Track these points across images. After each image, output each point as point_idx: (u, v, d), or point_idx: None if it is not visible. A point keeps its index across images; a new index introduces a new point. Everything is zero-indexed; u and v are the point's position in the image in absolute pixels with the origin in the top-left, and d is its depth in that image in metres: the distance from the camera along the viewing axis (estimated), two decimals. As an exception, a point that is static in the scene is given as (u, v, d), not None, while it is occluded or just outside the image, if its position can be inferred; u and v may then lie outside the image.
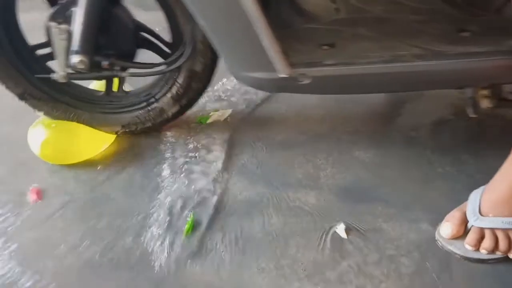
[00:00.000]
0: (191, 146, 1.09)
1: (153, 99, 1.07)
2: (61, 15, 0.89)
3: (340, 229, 0.88)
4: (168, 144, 1.10)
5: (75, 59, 0.87)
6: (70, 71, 0.92)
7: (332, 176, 1.00)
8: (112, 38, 0.93)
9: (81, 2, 0.85)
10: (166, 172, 1.02)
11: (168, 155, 1.07)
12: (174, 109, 1.07)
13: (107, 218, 0.92)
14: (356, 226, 0.89)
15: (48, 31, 0.91)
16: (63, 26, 0.87)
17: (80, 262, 0.84)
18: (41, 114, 1.05)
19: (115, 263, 0.84)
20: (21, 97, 1.02)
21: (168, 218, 0.91)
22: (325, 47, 0.84)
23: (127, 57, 0.98)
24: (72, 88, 1.07)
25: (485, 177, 0.97)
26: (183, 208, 0.93)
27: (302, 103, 1.21)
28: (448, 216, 0.86)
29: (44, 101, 1.04)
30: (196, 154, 1.06)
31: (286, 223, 0.90)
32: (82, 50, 0.87)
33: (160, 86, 1.06)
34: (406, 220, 0.90)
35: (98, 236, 0.89)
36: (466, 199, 0.93)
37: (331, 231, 0.88)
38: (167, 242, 0.87)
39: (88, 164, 1.05)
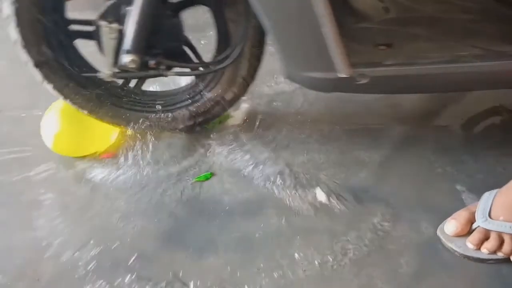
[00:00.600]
0: (194, 146, 1.09)
1: (170, 107, 1.06)
2: (112, 14, 0.89)
3: (319, 193, 0.91)
4: (173, 143, 1.10)
5: (127, 58, 0.87)
6: (116, 70, 0.91)
7: (332, 176, 1.00)
8: (161, 38, 0.92)
9: (137, 2, 0.85)
10: (167, 172, 1.02)
11: (169, 155, 1.07)
12: (187, 123, 1.07)
13: (107, 219, 0.92)
14: (356, 226, 0.89)
15: (97, 29, 0.90)
16: (114, 25, 0.87)
17: (81, 262, 0.84)
18: (49, 87, 0.98)
19: (115, 262, 0.84)
20: (38, 65, 0.94)
21: (168, 219, 0.92)
22: (382, 47, 0.84)
23: (173, 57, 0.97)
24: (92, 71, 1.03)
25: (485, 177, 0.98)
26: (184, 207, 0.94)
27: (302, 103, 1.21)
28: (455, 214, 0.86)
29: (60, 76, 0.98)
30: (197, 154, 1.06)
31: (286, 223, 0.90)
32: (134, 50, 0.87)
33: (183, 98, 1.06)
34: (406, 220, 0.90)
35: (99, 235, 0.88)
36: (466, 199, 0.93)
37: (331, 232, 0.88)
38: (169, 241, 0.87)
39: (90, 163, 1.05)
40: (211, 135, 1.11)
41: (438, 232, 0.86)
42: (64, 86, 0.98)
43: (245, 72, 1.02)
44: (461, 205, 0.91)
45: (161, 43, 0.93)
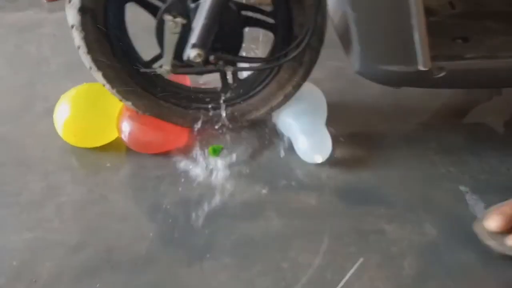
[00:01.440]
0: (192, 147, 1.07)
1: (187, 104, 1.05)
2: (176, 8, 0.87)
3: (317, 157, 0.98)
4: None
5: (193, 52, 0.85)
6: (176, 64, 0.91)
7: (334, 177, 0.99)
8: (223, 33, 0.90)
9: None
10: (167, 172, 1.01)
11: (166, 158, 1.05)
12: (193, 126, 1.06)
13: (106, 219, 0.91)
14: (358, 228, 0.88)
15: (159, 23, 0.89)
16: (179, 20, 0.86)
17: (78, 263, 0.83)
18: (80, 35, 0.91)
19: (114, 264, 0.83)
20: (83, 11, 0.88)
21: (167, 221, 0.91)
22: (459, 40, 0.85)
23: (233, 52, 0.95)
24: (130, 49, 1.00)
25: (489, 178, 0.97)
26: (183, 209, 0.93)
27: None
28: (498, 209, 0.82)
29: (97, 39, 0.92)
30: (196, 156, 1.05)
31: (287, 225, 0.89)
32: (201, 44, 0.85)
33: (204, 100, 1.05)
34: (409, 222, 0.89)
35: (96, 237, 0.87)
36: (469, 200, 0.93)
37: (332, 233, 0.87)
38: (167, 243, 0.86)
39: (89, 163, 1.04)
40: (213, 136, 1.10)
41: (476, 228, 0.83)
42: (92, 41, 0.93)
43: (276, 102, 1.02)
44: (465, 206, 0.90)
45: (225, 34, 0.91)
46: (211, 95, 1.06)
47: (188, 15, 0.87)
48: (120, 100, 1.02)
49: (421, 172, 0.99)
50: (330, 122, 1.08)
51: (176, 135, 1.07)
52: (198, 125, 1.07)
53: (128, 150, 1.05)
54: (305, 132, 1.01)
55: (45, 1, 1.62)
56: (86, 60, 0.95)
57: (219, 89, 1.05)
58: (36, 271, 0.82)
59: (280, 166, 1.02)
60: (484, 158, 1.02)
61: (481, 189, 0.94)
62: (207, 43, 0.86)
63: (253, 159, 1.04)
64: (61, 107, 1.04)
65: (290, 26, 0.94)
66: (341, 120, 1.12)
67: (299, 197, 0.95)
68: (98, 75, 0.97)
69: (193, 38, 0.85)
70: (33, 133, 1.11)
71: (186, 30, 0.87)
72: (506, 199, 0.84)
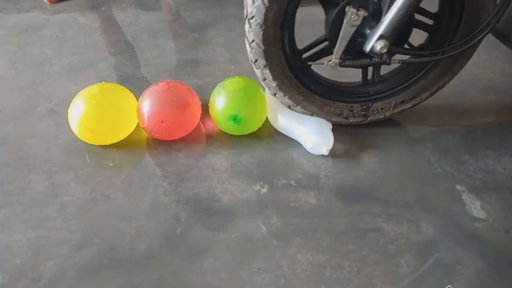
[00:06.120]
0: (192, 149, 1.09)
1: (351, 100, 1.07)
2: (359, 1, 0.88)
3: (325, 150, 1.00)
4: (174, 145, 1.09)
5: (380, 44, 0.86)
6: (343, 57, 0.92)
7: (332, 176, 1.00)
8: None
9: None
10: (167, 172, 1.02)
11: (167, 157, 1.07)
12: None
13: (107, 219, 0.92)
14: (356, 226, 0.89)
15: (338, 14, 0.89)
16: (362, 12, 0.86)
17: (81, 261, 0.84)
18: (261, 57, 0.92)
19: (116, 262, 0.84)
20: (265, 26, 0.88)
21: (168, 219, 0.92)
22: None
23: (399, 44, 0.94)
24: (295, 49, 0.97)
25: (485, 177, 0.98)
26: (183, 207, 0.94)
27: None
28: None
29: (274, 51, 0.92)
30: (197, 154, 1.06)
31: (286, 223, 0.90)
32: (389, 36, 0.86)
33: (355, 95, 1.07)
34: (406, 220, 0.90)
35: (99, 235, 0.88)
36: (466, 199, 0.93)
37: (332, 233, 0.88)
38: (168, 241, 0.87)
39: (91, 163, 1.05)
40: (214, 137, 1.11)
41: None
42: (271, 53, 0.92)
43: (426, 95, 1.04)
44: (461, 205, 0.91)
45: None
46: (358, 89, 1.07)
47: (368, 8, 0.88)
48: (289, 106, 1.03)
49: (418, 172, 1.00)
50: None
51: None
52: (350, 119, 1.07)
53: (130, 149, 1.06)
54: (313, 131, 1.03)
55: (47, 3, 1.63)
56: (262, 72, 0.95)
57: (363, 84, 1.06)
58: (39, 270, 0.82)
59: (279, 165, 1.03)
60: (480, 158, 1.03)
61: (477, 189, 0.95)
62: (394, 35, 0.86)
63: (253, 159, 1.05)
64: (77, 105, 1.04)
65: (456, 24, 0.94)
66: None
67: (298, 196, 0.95)
68: (273, 85, 0.98)
69: (382, 29, 0.86)
70: (36, 133, 1.12)
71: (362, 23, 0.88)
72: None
